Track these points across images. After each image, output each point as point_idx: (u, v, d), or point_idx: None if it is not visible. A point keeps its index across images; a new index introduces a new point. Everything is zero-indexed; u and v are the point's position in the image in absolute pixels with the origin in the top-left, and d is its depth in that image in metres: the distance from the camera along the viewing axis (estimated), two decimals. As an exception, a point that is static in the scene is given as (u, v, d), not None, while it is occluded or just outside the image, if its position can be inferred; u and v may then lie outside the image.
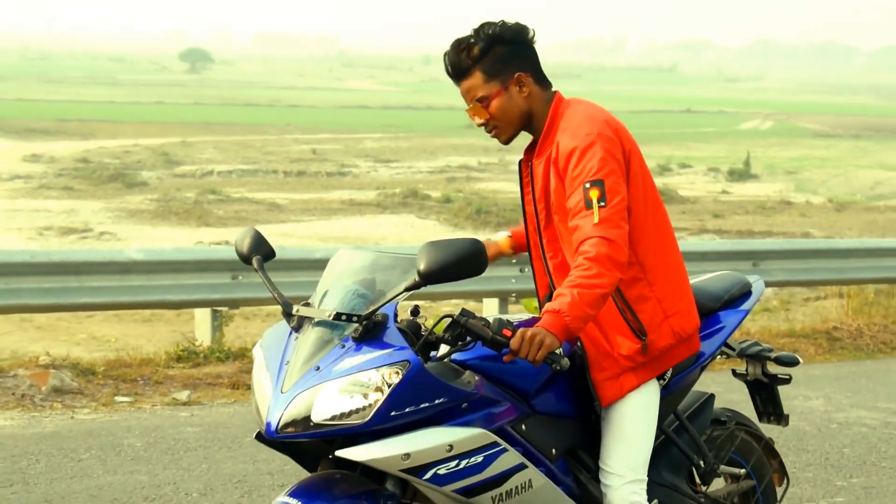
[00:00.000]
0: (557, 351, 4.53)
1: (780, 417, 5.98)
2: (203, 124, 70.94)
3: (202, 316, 12.15)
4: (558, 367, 4.56)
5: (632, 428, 5.03)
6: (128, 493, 7.71)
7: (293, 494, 4.46)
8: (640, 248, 5.00)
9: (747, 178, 51.07)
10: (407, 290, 4.50)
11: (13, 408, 9.90)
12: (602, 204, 4.76)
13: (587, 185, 4.78)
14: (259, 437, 4.59)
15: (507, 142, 5.12)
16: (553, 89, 5.12)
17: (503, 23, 5.01)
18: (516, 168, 5.21)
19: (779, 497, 5.92)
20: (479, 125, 5.04)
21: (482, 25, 5.00)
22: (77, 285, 11.27)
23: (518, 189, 5.23)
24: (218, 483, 7.98)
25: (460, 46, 4.97)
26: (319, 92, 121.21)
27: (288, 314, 4.70)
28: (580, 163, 4.82)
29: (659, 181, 46.30)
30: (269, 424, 4.44)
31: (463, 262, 4.48)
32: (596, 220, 4.74)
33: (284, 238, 29.78)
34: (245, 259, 4.99)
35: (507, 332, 4.53)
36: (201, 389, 10.71)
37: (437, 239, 4.64)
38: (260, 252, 4.95)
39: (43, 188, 42.27)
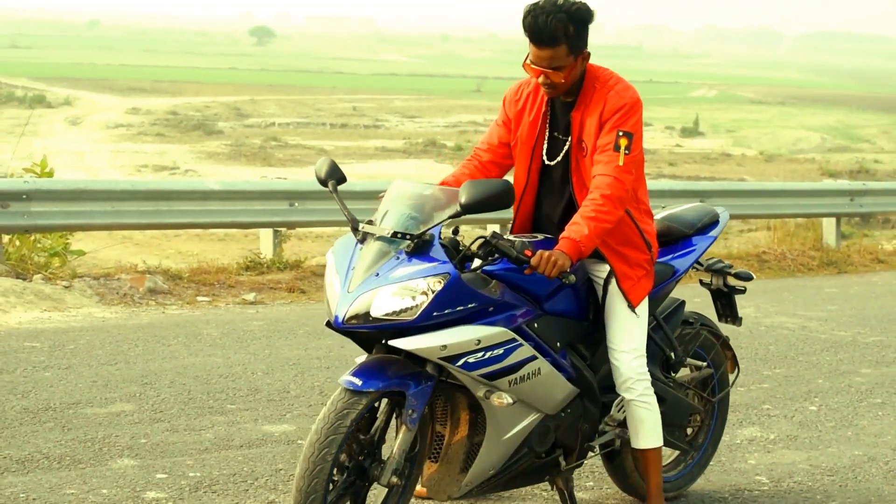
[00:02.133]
0: (567, 269, 4.60)
1: (735, 319, 5.96)
2: (267, 86, 70.79)
3: (265, 235, 12.16)
4: (567, 281, 4.66)
5: (634, 318, 5.06)
6: (206, 371, 7.72)
7: (355, 374, 4.47)
8: (641, 188, 5.06)
9: (696, 135, 50.98)
10: (449, 217, 4.52)
11: (117, 304, 9.92)
12: (627, 152, 4.80)
13: (620, 133, 4.80)
14: (328, 324, 4.58)
15: (555, 96, 4.97)
16: None
17: (584, 4, 4.84)
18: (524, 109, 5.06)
19: (730, 382, 5.92)
20: (543, 83, 4.87)
21: (570, 4, 4.77)
22: (167, 209, 11.26)
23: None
24: (277, 365, 7.99)
25: (556, 21, 4.71)
26: (359, 62, 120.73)
27: (355, 229, 4.68)
28: (623, 115, 4.82)
29: (626, 136, 46.05)
30: (336, 317, 4.46)
31: (495, 198, 4.49)
32: (620, 164, 4.78)
33: (330, 176, 29.70)
34: (322, 182, 4.91)
35: (528, 252, 4.58)
36: (265, 292, 10.73)
37: (476, 179, 4.62)
38: (334, 177, 4.87)
39: (141, 134, 42.29)
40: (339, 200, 4.80)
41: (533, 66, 4.83)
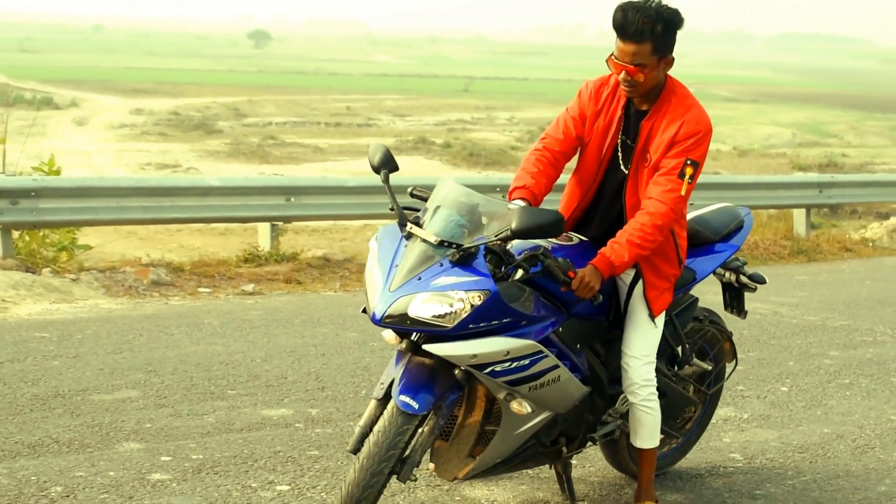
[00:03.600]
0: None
1: (741, 311, 5.93)
2: (265, 87, 70.59)
3: (263, 229, 12.13)
4: (595, 303, 4.73)
5: (652, 326, 5.02)
6: (207, 359, 7.72)
7: (407, 393, 4.42)
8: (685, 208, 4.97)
9: (673, 131, 50.83)
10: (498, 239, 4.40)
11: (123, 295, 9.91)
12: (690, 181, 4.71)
13: (688, 161, 4.70)
14: (364, 311, 4.54)
15: (633, 97, 4.80)
16: None
17: (676, 9, 4.66)
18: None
19: (727, 374, 5.91)
20: (623, 80, 4.71)
21: (661, 6, 4.62)
22: (170, 204, 11.26)
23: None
24: (275, 352, 7.99)
25: (645, 17, 4.56)
26: (352, 63, 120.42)
27: (402, 225, 4.59)
28: (695, 143, 4.72)
29: (607, 132, 45.89)
30: (374, 314, 4.38)
31: (546, 228, 4.37)
32: (682, 193, 4.71)
33: (326, 171, 29.71)
34: (375, 170, 4.76)
35: (571, 274, 4.57)
36: (263, 283, 10.72)
37: (531, 207, 4.53)
38: (388, 167, 4.73)
39: (144, 134, 42.17)
40: (389, 191, 4.69)
41: (616, 60, 4.69)
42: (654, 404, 5.09)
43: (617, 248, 4.69)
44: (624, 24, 4.60)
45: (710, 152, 4.98)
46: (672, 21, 4.63)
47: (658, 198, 4.72)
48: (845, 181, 16.35)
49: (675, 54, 4.72)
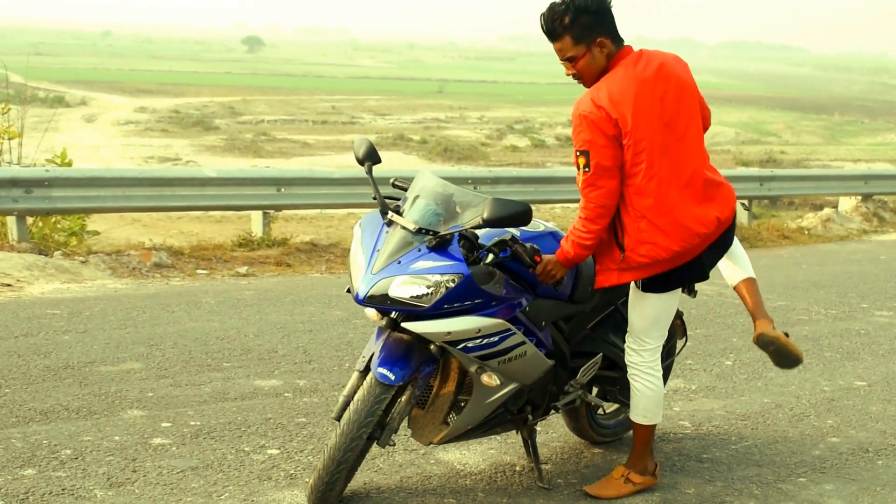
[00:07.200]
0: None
1: (691, 291, 5.88)
2: (257, 88, 70.27)
3: (256, 216, 12.09)
4: (557, 287, 4.73)
5: (656, 319, 4.88)
6: (205, 334, 7.67)
7: (385, 365, 4.39)
8: (641, 198, 4.54)
9: (627, 130, 50.83)
10: (470, 227, 4.37)
11: (127, 276, 9.85)
12: (587, 170, 4.44)
13: (578, 153, 4.47)
14: (348, 291, 4.50)
15: (586, 86, 4.56)
16: (623, 44, 4.56)
17: None
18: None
19: (678, 349, 5.86)
20: (567, 75, 4.57)
21: None
22: (171, 194, 11.20)
23: None
24: (266, 328, 7.95)
25: (554, 14, 4.43)
26: (337, 67, 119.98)
27: (384, 213, 4.56)
28: (574, 133, 4.49)
29: (569, 132, 46.21)
30: (358, 294, 4.36)
31: (515, 218, 4.30)
32: (580, 185, 4.50)
33: (313, 165, 29.61)
34: (360, 162, 4.72)
35: (538, 258, 4.57)
36: (255, 266, 10.68)
37: (501, 198, 4.38)
38: (371, 159, 4.71)
39: (147, 130, 41.92)
40: (373, 181, 4.66)
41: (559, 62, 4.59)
42: (651, 384, 4.90)
43: (564, 244, 4.63)
44: (543, 28, 4.51)
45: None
46: (583, 7, 4.42)
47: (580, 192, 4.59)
48: (783, 175, 16.38)
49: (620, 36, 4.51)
